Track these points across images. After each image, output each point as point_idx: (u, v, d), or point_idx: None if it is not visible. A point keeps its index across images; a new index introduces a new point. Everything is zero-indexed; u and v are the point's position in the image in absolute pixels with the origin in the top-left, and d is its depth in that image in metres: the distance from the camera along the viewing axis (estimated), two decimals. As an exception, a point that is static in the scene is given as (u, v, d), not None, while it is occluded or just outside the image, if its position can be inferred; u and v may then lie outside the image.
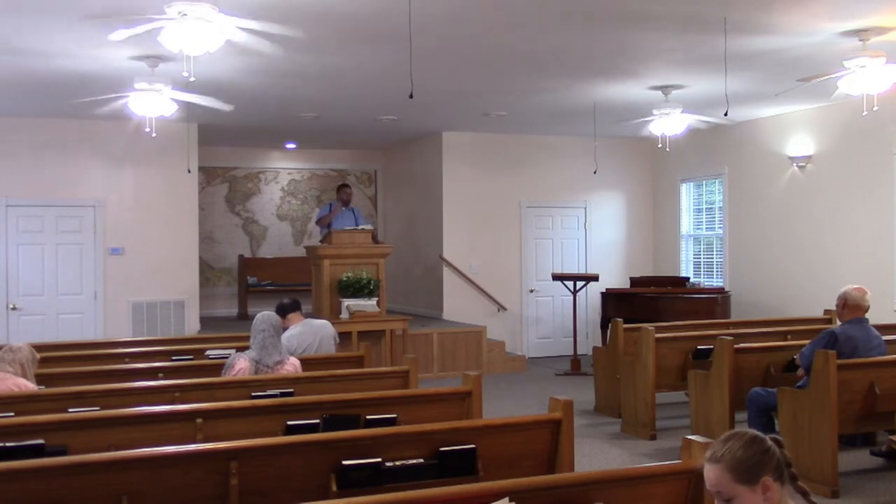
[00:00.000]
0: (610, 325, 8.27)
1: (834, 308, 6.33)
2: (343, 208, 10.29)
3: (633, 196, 12.58)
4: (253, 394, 4.90)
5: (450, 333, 10.53)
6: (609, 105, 9.35)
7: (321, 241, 10.06)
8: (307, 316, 6.88)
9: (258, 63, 7.09)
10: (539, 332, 12.12)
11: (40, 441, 3.63)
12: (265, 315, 5.36)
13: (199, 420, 4.06)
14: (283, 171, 13.53)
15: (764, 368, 6.47)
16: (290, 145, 13.09)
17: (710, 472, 2.37)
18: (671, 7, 5.76)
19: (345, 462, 3.39)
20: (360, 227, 9.88)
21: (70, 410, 4.38)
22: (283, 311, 6.40)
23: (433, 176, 11.92)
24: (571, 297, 11.01)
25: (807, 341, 6.15)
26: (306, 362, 5.72)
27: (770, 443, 2.38)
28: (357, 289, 9.09)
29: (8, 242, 9.87)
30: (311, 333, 6.46)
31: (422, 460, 3.54)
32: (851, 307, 6.01)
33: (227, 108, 7.40)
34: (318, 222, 10.65)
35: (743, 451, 2.34)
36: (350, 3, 5.53)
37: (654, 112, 8.46)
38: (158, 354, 6.60)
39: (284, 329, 6.22)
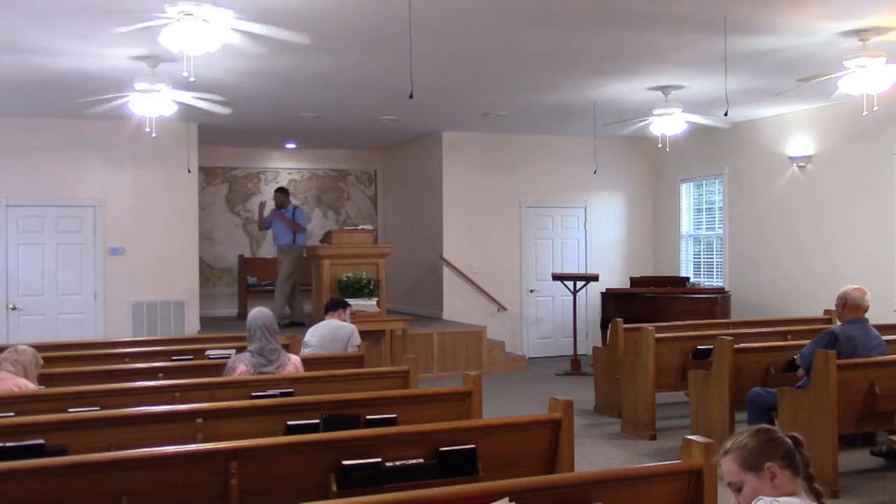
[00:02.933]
0: (610, 325, 8.27)
1: (834, 308, 6.33)
2: (281, 210, 10.90)
3: (633, 196, 12.58)
4: (253, 394, 4.90)
5: (450, 333, 10.53)
6: (609, 105, 9.35)
7: (321, 241, 10.07)
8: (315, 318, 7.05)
9: (258, 63, 7.08)
10: (539, 332, 12.12)
11: (40, 441, 3.63)
12: (258, 316, 5.25)
13: (199, 420, 4.06)
14: (283, 171, 13.53)
15: (764, 368, 6.47)
16: (290, 145, 13.09)
17: (723, 466, 2.46)
18: (671, 7, 5.76)
19: (345, 462, 3.39)
20: (295, 222, 10.73)
21: (70, 410, 4.38)
22: (324, 310, 6.96)
23: (433, 176, 11.92)
24: (571, 297, 11.00)
25: (807, 341, 6.15)
26: (306, 362, 5.72)
27: (779, 433, 2.44)
28: (357, 289, 9.09)
29: (8, 242, 9.87)
30: (318, 333, 6.53)
31: (422, 460, 3.54)
32: (851, 307, 6.01)
33: (224, 110, 7.40)
34: (258, 225, 11.49)
35: (748, 440, 2.43)
36: (350, 3, 5.53)
37: (654, 112, 8.46)
38: (158, 354, 6.60)
39: None
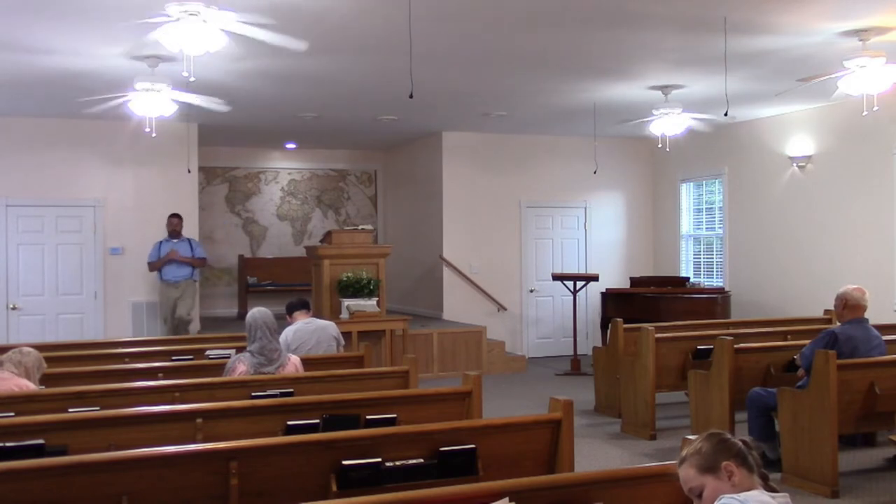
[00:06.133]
0: (610, 325, 8.27)
1: (833, 308, 6.33)
2: (174, 241, 9.73)
3: (633, 196, 12.58)
4: (253, 394, 4.89)
5: (450, 333, 10.53)
6: (609, 105, 9.35)
7: (321, 241, 10.07)
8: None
9: (259, 63, 7.09)
10: (539, 332, 12.12)
11: (40, 441, 3.62)
12: (258, 316, 5.22)
13: (199, 420, 4.05)
14: (283, 171, 13.54)
15: (764, 368, 6.47)
16: (290, 145, 13.10)
17: (681, 474, 2.55)
18: (671, 7, 5.76)
19: (345, 462, 3.39)
20: (198, 257, 9.79)
21: (70, 410, 4.38)
22: (288, 311, 6.68)
23: (433, 176, 11.92)
24: (571, 297, 11.00)
25: (807, 341, 6.15)
26: (306, 362, 5.71)
27: (728, 435, 2.55)
28: (357, 289, 9.09)
29: (8, 242, 9.87)
30: (308, 332, 6.46)
31: (422, 460, 3.54)
32: (851, 307, 6.00)
33: (223, 108, 7.39)
34: (150, 266, 9.85)
35: (702, 445, 2.52)
36: (351, 3, 5.53)
37: (654, 112, 8.46)
38: (158, 354, 6.60)
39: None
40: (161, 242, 9.81)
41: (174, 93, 6.97)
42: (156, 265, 9.76)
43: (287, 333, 6.39)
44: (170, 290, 9.76)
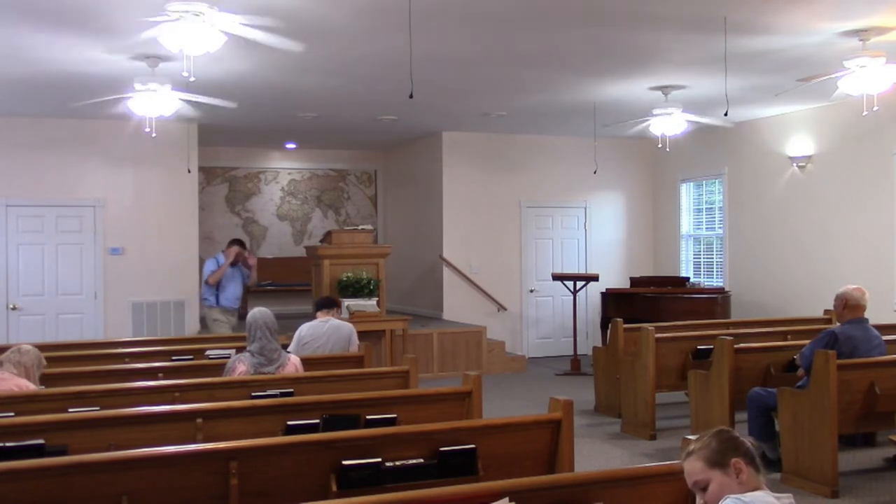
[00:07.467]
0: (610, 325, 8.27)
1: (833, 308, 6.33)
2: (230, 266, 9.04)
3: (633, 196, 12.58)
4: (253, 394, 4.90)
5: (450, 333, 10.53)
6: (609, 105, 9.35)
7: (321, 241, 10.07)
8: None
9: (258, 63, 7.09)
10: (539, 332, 12.12)
11: (40, 441, 3.62)
12: (258, 316, 5.22)
13: (199, 420, 4.06)
14: (283, 171, 13.54)
15: (764, 368, 6.47)
16: (290, 145, 13.10)
17: (686, 467, 2.52)
18: (671, 7, 5.76)
19: (345, 462, 3.39)
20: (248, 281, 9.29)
21: (70, 410, 4.38)
22: (315, 308, 6.79)
23: (433, 176, 11.92)
24: (571, 297, 11.01)
25: (807, 341, 6.15)
26: (307, 362, 5.71)
27: (737, 433, 2.55)
28: (357, 289, 9.09)
29: (8, 242, 9.87)
30: (321, 331, 6.48)
31: (422, 460, 3.54)
32: (851, 307, 6.00)
33: (230, 105, 7.38)
34: (206, 281, 9.05)
35: (711, 440, 2.50)
36: (350, 3, 5.53)
37: (654, 112, 8.46)
38: (158, 354, 6.60)
39: None
40: (217, 258, 9.18)
41: (179, 92, 6.97)
42: (212, 279, 8.95)
43: (302, 329, 6.49)
44: (228, 316, 9.12)
